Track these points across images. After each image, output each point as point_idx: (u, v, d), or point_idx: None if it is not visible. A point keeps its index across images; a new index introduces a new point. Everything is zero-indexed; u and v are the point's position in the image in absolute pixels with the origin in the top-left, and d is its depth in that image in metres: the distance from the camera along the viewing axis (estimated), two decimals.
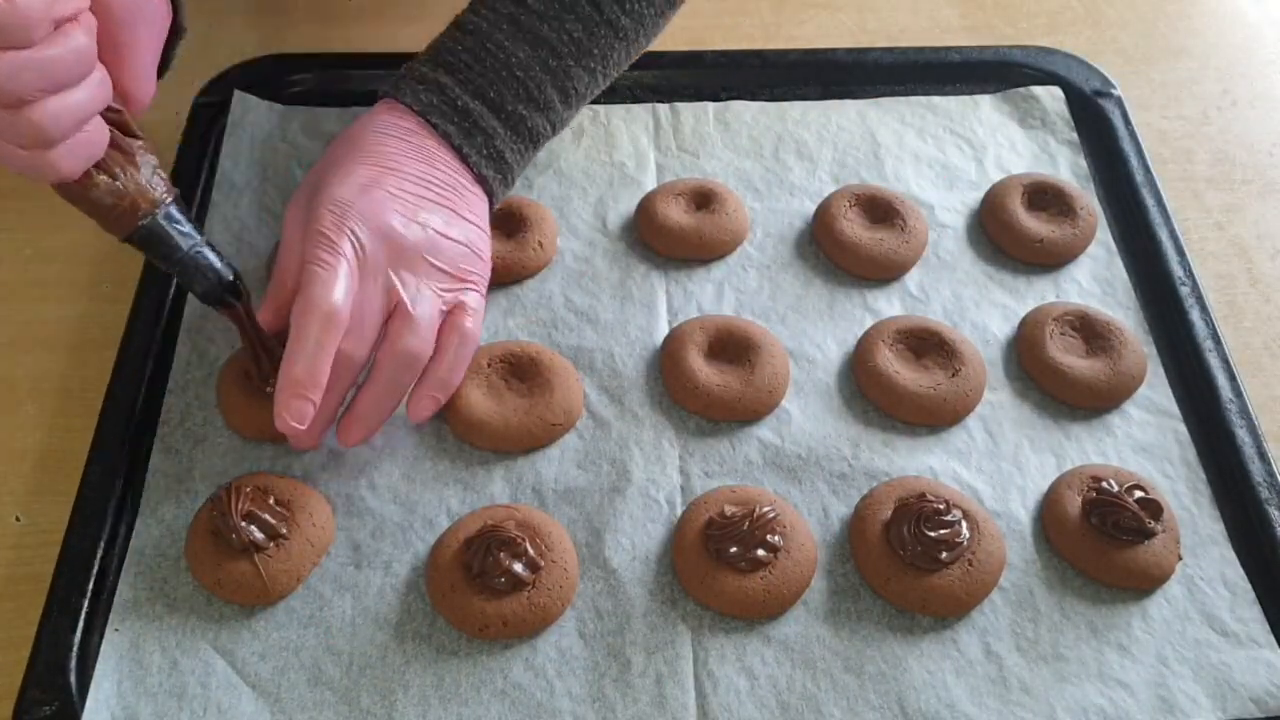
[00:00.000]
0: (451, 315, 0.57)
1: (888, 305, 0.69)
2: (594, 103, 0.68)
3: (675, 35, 0.71)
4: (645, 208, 0.71)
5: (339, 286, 0.52)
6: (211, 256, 0.55)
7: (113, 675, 0.52)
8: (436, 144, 0.59)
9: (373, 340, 0.55)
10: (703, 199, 0.71)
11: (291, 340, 0.52)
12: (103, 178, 0.51)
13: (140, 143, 0.52)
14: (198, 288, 0.56)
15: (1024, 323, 0.68)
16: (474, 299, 0.59)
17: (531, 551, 0.54)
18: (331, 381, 0.53)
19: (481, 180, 0.61)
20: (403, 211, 0.56)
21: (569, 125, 0.67)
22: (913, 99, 0.80)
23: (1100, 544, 0.57)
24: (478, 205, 0.61)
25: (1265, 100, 0.85)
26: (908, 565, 0.55)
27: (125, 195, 0.52)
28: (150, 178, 0.53)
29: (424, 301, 0.56)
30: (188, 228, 0.54)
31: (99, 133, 0.49)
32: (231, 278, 0.56)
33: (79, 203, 0.52)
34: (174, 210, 0.54)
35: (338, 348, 0.52)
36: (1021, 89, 0.80)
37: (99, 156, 0.50)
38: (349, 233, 0.54)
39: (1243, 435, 0.62)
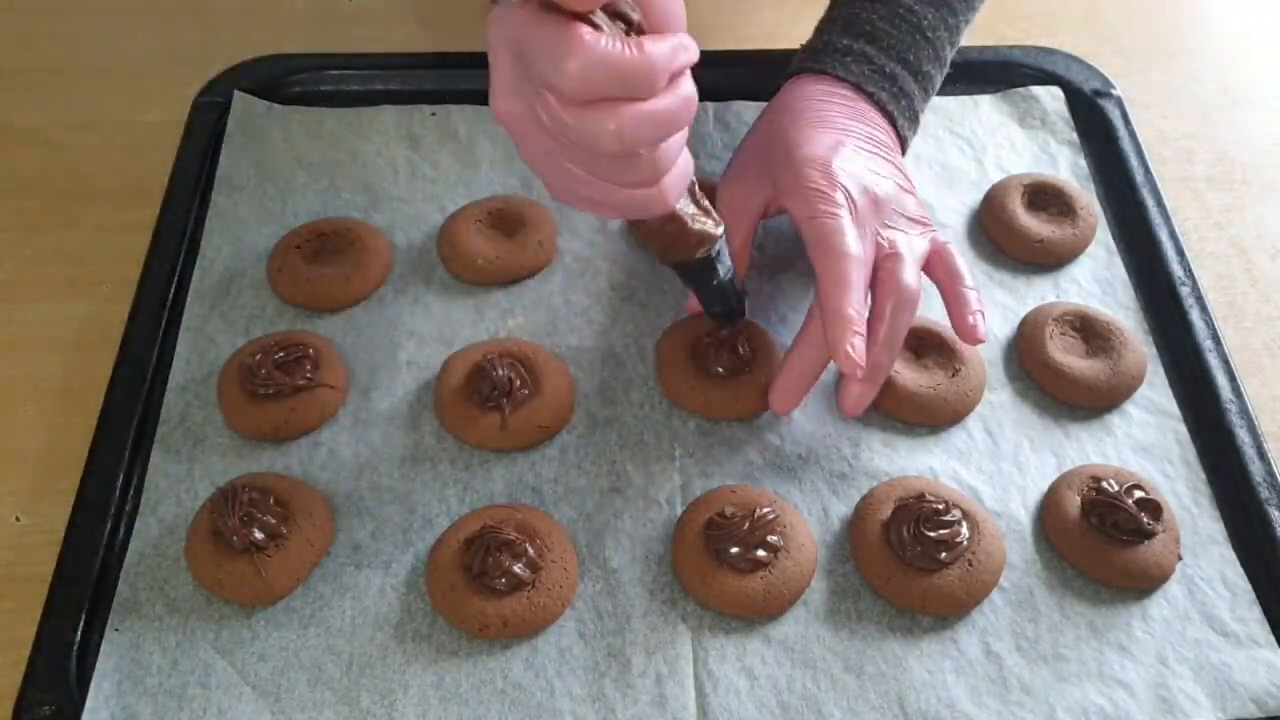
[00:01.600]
0: (933, 256, 0.60)
1: None
2: None
3: None
4: None
5: (851, 231, 0.55)
6: (735, 281, 0.57)
7: (113, 675, 0.52)
8: (870, 107, 0.63)
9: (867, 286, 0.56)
10: None
11: (831, 287, 0.54)
12: (688, 207, 0.51)
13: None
14: (718, 308, 0.58)
15: (1024, 323, 0.68)
16: (940, 240, 0.61)
17: (531, 551, 0.54)
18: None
19: (902, 141, 0.65)
20: (871, 167, 0.59)
21: None
22: None
23: (1100, 544, 0.57)
24: (902, 162, 0.64)
25: (1265, 100, 0.85)
26: (907, 565, 0.55)
27: (700, 226, 0.52)
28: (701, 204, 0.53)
29: (913, 247, 0.59)
30: (725, 253, 0.55)
31: (687, 160, 0.49)
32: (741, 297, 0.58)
33: (656, 235, 0.51)
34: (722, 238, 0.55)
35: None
36: (1021, 89, 0.80)
37: (687, 185, 0.49)
38: (840, 186, 0.56)
39: (1243, 435, 0.62)
